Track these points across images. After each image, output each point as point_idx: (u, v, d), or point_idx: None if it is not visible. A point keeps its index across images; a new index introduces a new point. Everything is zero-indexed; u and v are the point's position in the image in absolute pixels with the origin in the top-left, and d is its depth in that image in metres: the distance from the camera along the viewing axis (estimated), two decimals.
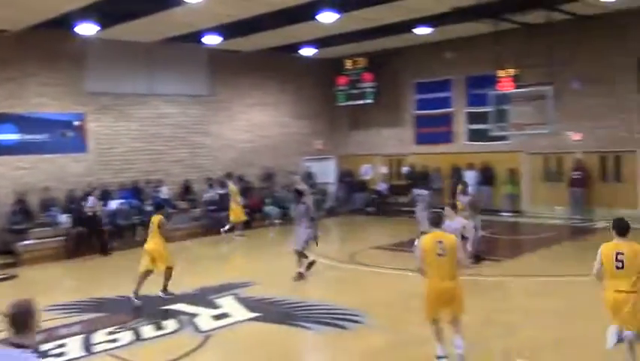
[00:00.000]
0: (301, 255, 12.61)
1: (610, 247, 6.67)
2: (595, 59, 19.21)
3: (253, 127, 23.50)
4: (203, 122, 21.97)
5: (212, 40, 19.29)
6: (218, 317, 10.04)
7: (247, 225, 19.80)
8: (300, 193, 13.31)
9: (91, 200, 17.09)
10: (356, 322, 9.43)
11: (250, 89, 23.39)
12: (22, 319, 3.98)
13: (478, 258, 12.77)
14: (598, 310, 7.41)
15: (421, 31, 19.60)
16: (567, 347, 8.04)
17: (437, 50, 22.59)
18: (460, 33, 20.84)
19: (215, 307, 10.66)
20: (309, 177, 23.96)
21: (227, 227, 18.82)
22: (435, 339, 7.46)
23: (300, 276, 12.49)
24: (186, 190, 20.87)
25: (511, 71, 18.67)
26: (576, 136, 19.88)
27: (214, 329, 9.42)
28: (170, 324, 9.73)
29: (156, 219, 11.37)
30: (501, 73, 18.81)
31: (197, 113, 21.82)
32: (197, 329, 9.48)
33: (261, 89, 23.75)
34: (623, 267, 6.51)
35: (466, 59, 21.93)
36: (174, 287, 11.46)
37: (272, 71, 23.86)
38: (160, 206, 12.70)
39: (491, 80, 19.49)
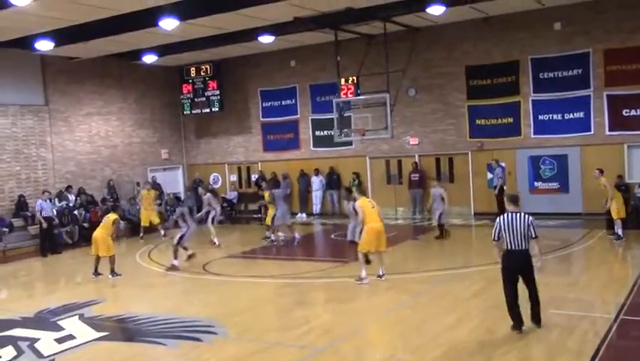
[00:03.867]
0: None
1: None
2: (427, 67, 20.59)
3: (94, 137, 22.45)
4: (39, 133, 20.61)
5: (45, 45, 18.10)
6: (61, 340, 9.42)
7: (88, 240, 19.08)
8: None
9: None
10: (211, 333, 9.32)
11: (90, 98, 22.34)
12: None
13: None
14: (436, 302, 7.92)
15: (265, 39, 19.80)
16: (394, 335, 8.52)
17: (282, 58, 23.02)
18: (304, 42, 21.37)
19: (58, 329, 10.01)
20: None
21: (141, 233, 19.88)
22: (363, 265, 11.68)
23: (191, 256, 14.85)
24: (21, 207, 19.44)
25: (352, 79, 19.46)
26: (413, 140, 21.14)
27: (57, 353, 8.84)
28: (7, 352, 8.99)
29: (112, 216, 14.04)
30: (343, 81, 19.54)
31: (32, 124, 20.43)
32: (38, 354, 8.85)
33: (101, 98, 22.76)
34: None
35: (310, 68, 22.57)
36: (10, 313, 10.62)
37: (113, 78, 22.97)
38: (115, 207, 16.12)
39: (334, 88, 20.21)
